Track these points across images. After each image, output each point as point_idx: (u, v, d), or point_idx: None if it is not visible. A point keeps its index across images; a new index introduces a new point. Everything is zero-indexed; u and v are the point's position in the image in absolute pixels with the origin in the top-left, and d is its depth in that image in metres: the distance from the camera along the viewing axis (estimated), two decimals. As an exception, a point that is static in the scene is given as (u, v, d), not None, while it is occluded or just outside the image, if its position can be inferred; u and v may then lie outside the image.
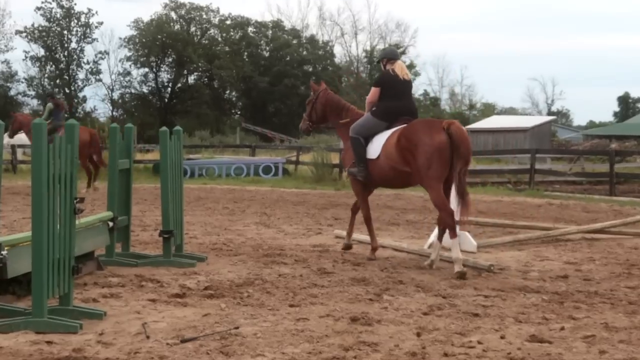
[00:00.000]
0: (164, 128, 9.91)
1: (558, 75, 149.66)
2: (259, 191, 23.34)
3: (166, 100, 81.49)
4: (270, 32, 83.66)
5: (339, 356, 5.61)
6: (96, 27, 78.36)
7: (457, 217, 10.76)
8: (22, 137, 33.57)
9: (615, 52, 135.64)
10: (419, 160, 9.47)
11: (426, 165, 9.43)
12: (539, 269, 9.62)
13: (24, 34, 76.24)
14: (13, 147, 30.92)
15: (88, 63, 78.68)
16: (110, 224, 9.25)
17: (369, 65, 78.33)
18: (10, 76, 75.92)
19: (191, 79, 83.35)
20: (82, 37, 78.20)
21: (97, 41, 79.52)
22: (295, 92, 76.28)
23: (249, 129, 71.93)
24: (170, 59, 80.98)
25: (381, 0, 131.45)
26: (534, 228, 12.81)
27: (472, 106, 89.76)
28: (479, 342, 6.01)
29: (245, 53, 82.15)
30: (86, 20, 77.90)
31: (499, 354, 5.73)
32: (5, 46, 76.37)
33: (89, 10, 78.03)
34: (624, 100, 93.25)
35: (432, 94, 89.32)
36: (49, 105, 21.96)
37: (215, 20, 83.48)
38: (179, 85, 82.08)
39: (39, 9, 77.01)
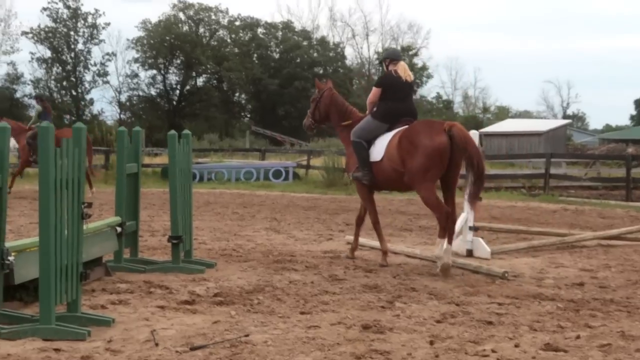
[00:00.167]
0: (173, 132, 9.84)
1: (574, 78, 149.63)
2: (269, 196, 23.31)
3: (174, 102, 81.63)
4: (280, 33, 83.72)
5: (351, 365, 5.53)
6: (103, 28, 78.64)
7: (471, 223, 10.77)
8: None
9: (633, 55, 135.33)
10: (417, 160, 9.51)
11: (424, 166, 9.49)
12: (553, 276, 9.53)
13: (30, 35, 76.48)
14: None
15: (95, 65, 78.97)
16: (119, 229, 9.19)
17: (380, 67, 78.28)
18: (16, 78, 76.21)
19: (200, 81, 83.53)
20: (89, 38, 78.41)
21: (104, 42, 79.95)
22: (306, 95, 76.22)
23: (259, 133, 71.98)
24: (178, 61, 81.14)
25: (393, 1, 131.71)
26: (549, 234, 12.71)
27: (485, 109, 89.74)
28: (493, 351, 5.93)
29: (255, 55, 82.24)
30: (93, 21, 78.18)
31: (514, 364, 5.65)
32: (11, 47, 76.82)
33: (96, 10, 78.34)
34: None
35: (445, 97, 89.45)
36: (38, 108, 22.03)
37: (225, 21, 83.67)
38: (188, 87, 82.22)
39: (45, 9, 77.32)
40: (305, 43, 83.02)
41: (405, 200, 21.31)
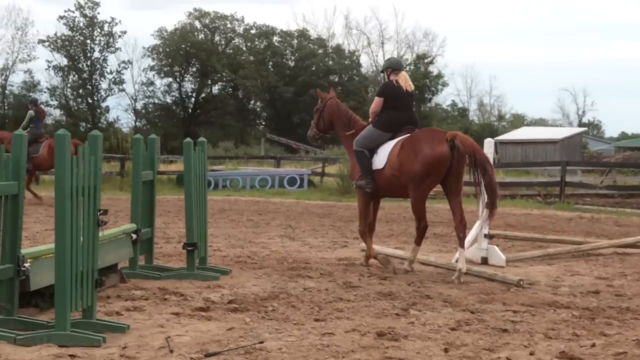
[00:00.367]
0: (188, 139, 9.86)
1: (589, 85, 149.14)
2: (284, 203, 23.31)
3: (190, 110, 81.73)
4: (296, 41, 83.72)
5: (365, 373, 5.53)
6: (119, 36, 78.72)
7: (486, 231, 10.77)
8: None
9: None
10: (416, 167, 9.71)
11: (422, 174, 9.71)
12: (569, 284, 9.49)
13: (47, 44, 76.61)
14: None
15: (111, 73, 79.06)
16: (134, 236, 9.21)
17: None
18: (33, 86, 76.35)
19: (215, 89, 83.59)
20: (105, 46, 78.54)
21: (121, 50, 79.80)
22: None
23: (274, 140, 72.00)
24: (194, 69, 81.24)
25: (409, 9, 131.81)
26: (564, 242, 12.68)
27: (501, 117, 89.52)
28: (508, 359, 5.91)
29: (270, 63, 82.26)
30: (109, 30, 78.29)
31: (529, 372, 5.64)
32: (28, 55, 76.92)
33: (113, 19, 78.43)
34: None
35: (460, 105, 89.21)
36: (30, 112, 21.84)
37: (240, 30, 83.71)
38: (203, 95, 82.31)
39: (61, 18, 77.46)
40: (320, 51, 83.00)
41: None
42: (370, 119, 10.76)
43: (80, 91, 77.50)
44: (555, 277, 9.98)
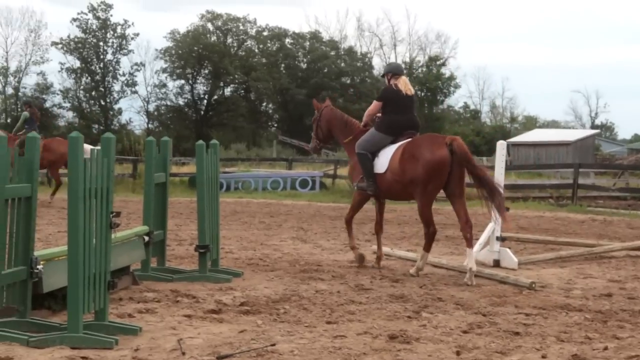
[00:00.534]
0: (201, 141, 9.87)
1: (602, 87, 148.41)
2: (296, 205, 23.31)
3: (202, 112, 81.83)
4: (308, 43, 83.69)
5: (377, 376, 5.52)
6: (132, 38, 78.94)
7: (498, 233, 10.77)
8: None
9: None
10: (418, 172, 9.87)
11: (425, 178, 9.86)
12: (581, 286, 9.47)
13: (60, 46, 76.86)
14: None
15: (124, 75, 79.26)
16: (146, 238, 9.23)
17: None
18: (46, 88, 76.63)
19: (227, 91, 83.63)
20: (118, 48, 78.74)
21: (133, 53, 79.94)
22: (334, 105, 76.12)
23: (286, 142, 71.84)
24: (206, 71, 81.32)
25: (421, 11, 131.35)
26: (577, 245, 12.65)
27: (513, 119, 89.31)
28: (520, 362, 5.89)
29: (283, 65, 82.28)
30: (122, 32, 78.49)
31: (541, 375, 5.63)
32: (41, 58, 77.19)
33: (125, 21, 78.67)
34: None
35: (472, 107, 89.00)
36: (25, 114, 21.97)
37: (252, 32, 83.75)
38: (215, 97, 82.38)
39: (74, 20, 77.71)
40: (332, 53, 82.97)
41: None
42: (364, 119, 11.08)
43: (93, 93, 77.72)
44: (567, 280, 9.95)
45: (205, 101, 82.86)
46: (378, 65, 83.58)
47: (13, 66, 76.16)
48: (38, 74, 76.91)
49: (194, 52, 79.28)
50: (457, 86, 79.96)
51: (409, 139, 10.38)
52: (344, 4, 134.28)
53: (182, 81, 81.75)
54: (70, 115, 77.95)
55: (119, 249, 8.14)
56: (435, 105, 78.20)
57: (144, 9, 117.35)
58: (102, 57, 78.16)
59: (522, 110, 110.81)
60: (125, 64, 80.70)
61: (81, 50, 77.27)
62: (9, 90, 75.19)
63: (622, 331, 7.03)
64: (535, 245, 13.23)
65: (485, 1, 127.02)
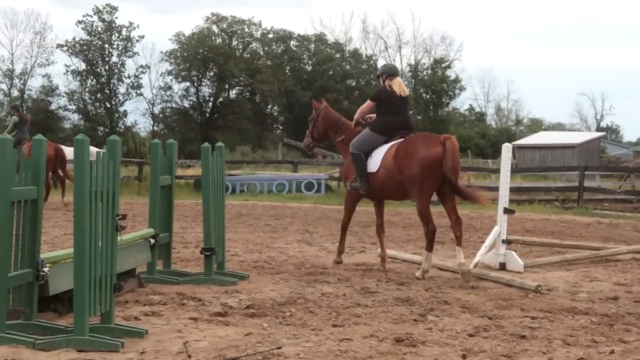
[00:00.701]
0: (206, 144, 9.88)
1: (608, 90, 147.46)
2: (301, 208, 23.31)
3: (207, 115, 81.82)
4: (313, 45, 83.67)
5: (383, 379, 5.51)
6: (137, 40, 78.87)
7: (504, 236, 10.77)
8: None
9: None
10: (414, 171, 10.05)
11: (421, 176, 10.03)
12: (587, 290, 9.45)
13: (65, 48, 76.80)
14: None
15: (129, 77, 79.20)
16: (152, 241, 9.22)
17: (413, 80, 77.99)
18: (51, 90, 76.62)
19: (232, 93, 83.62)
20: (123, 50, 78.72)
21: (138, 55, 79.83)
22: (338, 107, 76.11)
23: (291, 145, 71.84)
24: (211, 73, 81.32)
25: (426, 13, 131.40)
26: (583, 248, 12.63)
27: (518, 122, 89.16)
28: (527, 366, 5.88)
29: (288, 67, 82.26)
30: (127, 34, 78.45)
31: (548, 379, 5.61)
32: (47, 60, 77.11)
33: (130, 23, 78.59)
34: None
35: (477, 109, 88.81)
36: (14, 118, 22.26)
37: (258, 34, 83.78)
38: (221, 99, 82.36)
39: (80, 22, 77.65)
40: (337, 55, 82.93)
41: (437, 212, 21.18)
42: (355, 117, 11.31)
43: (98, 95, 77.75)
44: (573, 283, 9.93)
45: (210, 103, 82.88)
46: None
47: (18, 68, 76.28)
48: (43, 76, 77.00)
49: (199, 54, 79.29)
50: (462, 88, 79.85)
51: (402, 139, 10.56)
52: (349, 7, 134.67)
53: (188, 83, 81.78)
54: (75, 117, 78.04)
55: (125, 251, 8.14)
56: (440, 108, 78.07)
57: (149, 12, 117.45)
58: (107, 59, 78.17)
59: (527, 112, 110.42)
60: (130, 66, 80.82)
61: (86, 52, 77.29)
62: (15, 93, 75.22)
63: (629, 334, 7.01)
64: (541, 248, 13.21)
65: (490, 3, 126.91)
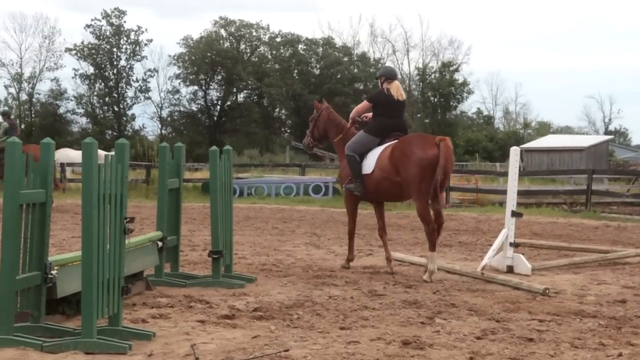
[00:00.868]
0: (214, 147, 9.89)
1: (616, 93, 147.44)
2: (309, 211, 23.31)
3: (215, 118, 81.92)
4: (321, 49, 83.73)
5: (391, 382, 5.51)
6: (145, 44, 79.04)
7: (511, 239, 10.78)
8: (70, 155, 33.68)
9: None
10: (411, 172, 10.18)
11: (418, 177, 10.15)
12: (595, 293, 9.43)
13: (74, 52, 77.00)
14: (62, 165, 31.15)
15: (137, 81, 79.41)
16: (160, 243, 9.24)
17: (421, 83, 77.91)
18: (60, 94, 76.76)
19: (240, 97, 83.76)
20: (132, 54, 78.91)
21: (147, 59, 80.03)
22: (346, 111, 75.93)
23: (299, 148, 71.82)
24: (219, 77, 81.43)
25: (434, 16, 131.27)
26: (591, 251, 12.61)
27: (526, 125, 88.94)
28: (535, 369, 5.88)
29: (295, 71, 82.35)
30: (136, 38, 78.65)
31: (556, 382, 5.60)
32: (55, 64, 77.17)
33: (139, 27, 78.79)
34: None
35: (485, 112, 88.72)
36: (4, 124, 22.45)
37: (265, 38, 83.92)
38: (228, 103, 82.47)
39: (88, 26, 77.89)
40: (345, 59, 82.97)
41: (445, 215, 21.16)
42: (351, 115, 11.52)
43: (107, 99, 77.91)
44: (581, 286, 9.91)
45: (218, 107, 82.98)
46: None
47: (27, 72, 76.38)
48: (52, 80, 77.12)
49: (207, 58, 79.40)
50: (470, 92, 79.68)
51: (396, 140, 10.70)
52: (357, 10, 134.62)
53: (195, 87, 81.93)
54: (83, 121, 78.24)
55: (133, 254, 8.15)
56: (448, 111, 77.93)
57: (157, 16, 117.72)
58: (115, 63, 78.35)
59: (535, 116, 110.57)
60: (138, 70, 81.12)
61: (95, 56, 77.48)
62: (23, 97, 75.42)
63: (637, 337, 6.99)
64: (548, 251, 13.19)
65: (498, 7, 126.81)
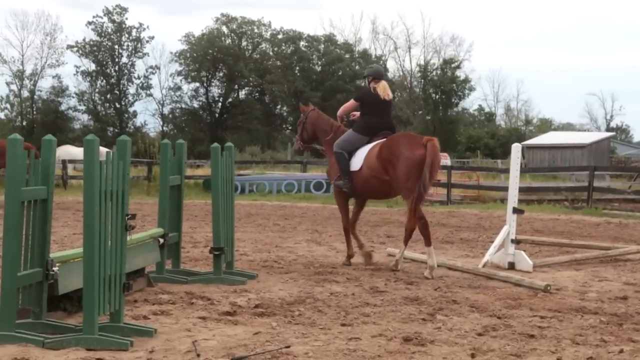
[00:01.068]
0: (216, 144, 9.89)
1: (618, 90, 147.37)
2: (310, 208, 23.32)
3: (217, 115, 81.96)
4: (323, 46, 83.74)
5: (392, 378, 5.51)
6: (147, 41, 79.16)
7: (513, 236, 10.79)
8: (71, 152, 33.72)
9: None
10: (399, 171, 10.36)
11: (405, 176, 10.32)
12: (597, 289, 9.42)
13: (75, 49, 77.10)
14: (64, 162, 31.18)
15: (139, 78, 79.50)
16: (161, 240, 9.24)
17: (422, 80, 77.90)
18: (61, 91, 76.86)
19: (242, 93, 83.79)
20: (133, 51, 78.99)
21: (148, 56, 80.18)
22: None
23: (300, 145, 71.92)
24: (221, 74, 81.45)
25: (436, 13, 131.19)
26: (592, 247, 12.60)
27: (528, 122, 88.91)
28: (536, 365, 5.88)
29: (297, 68, 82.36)
30: (137, 35, 78.74)
31: (557, 378, 5.61)
32: (57, 61, 77.26)
33: (140, 24, 78.92)
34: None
35: (487, 109, 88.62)
36: None
37: (267, 35, 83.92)
38: (230, 100, 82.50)
39: (90, 23, 78.03)
40: (347, 56, 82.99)
41: (446, 212, 21.23)
42: (338, 112, 11.71)
43: (108, 96, 77.98)
44: (582, 283, 9.91)
45: (219, 104, 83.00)
46: (392, 68, 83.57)
47: (29, 69, 76.43)
48: (53, 77, 77.22)
49: (208, 55, 79.42)
50: (471, 89, 79.74)
51: (384, 139, 10.84)
52: (359, 7, 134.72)
53: (197, 84, 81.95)
54: (85, 118, 78.35)
55: (134, 251, 8.15)
56: (450, 108, 77.98)
57: (159, 13, 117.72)
58: (117, 60, 78.41)
59: (537, 112, 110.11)
60: (140, 67, 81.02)
61: (96, 53, 77.53)
62: (25, 94, 75.45)
63: (638, 334, 6.99)
64: (550, 248, 13.19)
65: (500, 4, 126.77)
